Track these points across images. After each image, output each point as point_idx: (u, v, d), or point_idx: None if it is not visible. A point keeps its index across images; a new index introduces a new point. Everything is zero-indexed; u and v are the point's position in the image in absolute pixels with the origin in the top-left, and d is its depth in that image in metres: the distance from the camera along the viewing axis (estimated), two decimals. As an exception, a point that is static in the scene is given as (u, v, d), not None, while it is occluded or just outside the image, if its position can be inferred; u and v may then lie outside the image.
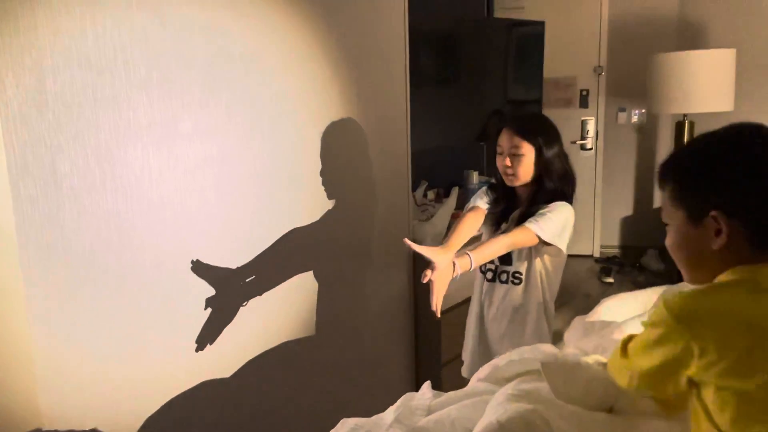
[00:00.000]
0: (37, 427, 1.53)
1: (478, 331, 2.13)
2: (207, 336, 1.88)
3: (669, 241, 1.06)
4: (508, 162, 1.92)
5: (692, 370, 0.92)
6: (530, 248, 1.96)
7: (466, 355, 2.19)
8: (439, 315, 1.71)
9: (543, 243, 1.86)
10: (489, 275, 2.07)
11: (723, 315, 0.92)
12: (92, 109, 1.56)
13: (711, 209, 0.97)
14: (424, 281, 1.66)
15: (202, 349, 1.86)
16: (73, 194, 1.55)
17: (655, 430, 1.14)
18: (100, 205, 1.60)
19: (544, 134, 1.93)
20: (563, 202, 1.92)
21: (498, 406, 1.13)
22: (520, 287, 2.01)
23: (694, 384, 0.95)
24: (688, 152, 1.09)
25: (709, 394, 0.93)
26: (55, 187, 1.51)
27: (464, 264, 1.73)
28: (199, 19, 1.77)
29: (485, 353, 2.11)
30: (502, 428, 1.03)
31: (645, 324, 1.01)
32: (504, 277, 2.03)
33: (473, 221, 2.00)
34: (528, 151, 1.91)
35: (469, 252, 1.76)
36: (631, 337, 1.07)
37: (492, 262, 2.06)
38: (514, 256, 2.00)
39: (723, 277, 0.99)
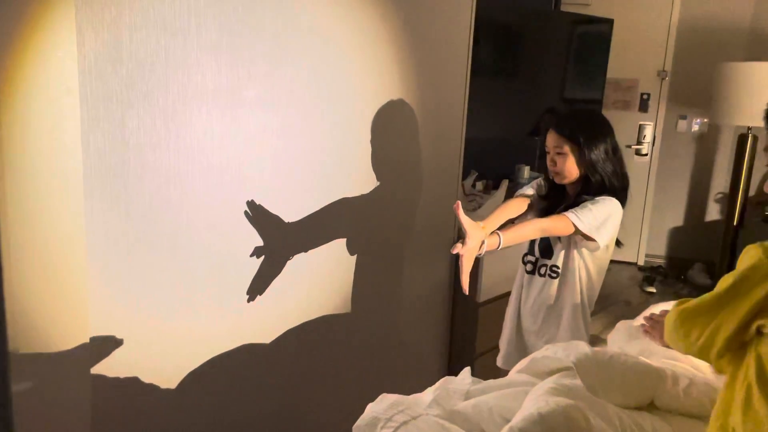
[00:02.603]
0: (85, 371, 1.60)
1: (515, 323, 2.13)
2: (253, 286, 1.92)
3: None
4: (552, 161, 1.93)
5: None
6: (569, 241, 1.94)
7: (503, 344, 2.20)
8: (467, 292, 1.71)
9: (581, 235, 1.84)
10: (528, 267, 2.07)
11: None
12: (163, 70, 1.60)
13: None
14: (453, 252, 1.66)
15: (250, 296, 1.91)
16: (139, 150, 1.59)
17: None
18: (163, 163, 1.65)
19: (586, 132, 1.89)
20: (610, 198, 1.88)
21: (539, 398, 1.13)
22: (557, 282, 1.99)
23: (760, 334, 0.97)
24: None
25: None
26: (122, 142, 1.56)
27: (492, 242, 1.71)
28: (271, -11, 1.79)
29: (520, 346, 2.12)
30: (542, 420, 1.03)
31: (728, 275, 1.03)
32: (543, 270, 2.02)
33: (515, 207, 2.00)
34: (569, 150, 1.89)
35: (499, 231, 1.74)
36: (685, 301, 1.09)
37: (533, 254, 2.05)
38: (555, 250, 1.99)
39: None
